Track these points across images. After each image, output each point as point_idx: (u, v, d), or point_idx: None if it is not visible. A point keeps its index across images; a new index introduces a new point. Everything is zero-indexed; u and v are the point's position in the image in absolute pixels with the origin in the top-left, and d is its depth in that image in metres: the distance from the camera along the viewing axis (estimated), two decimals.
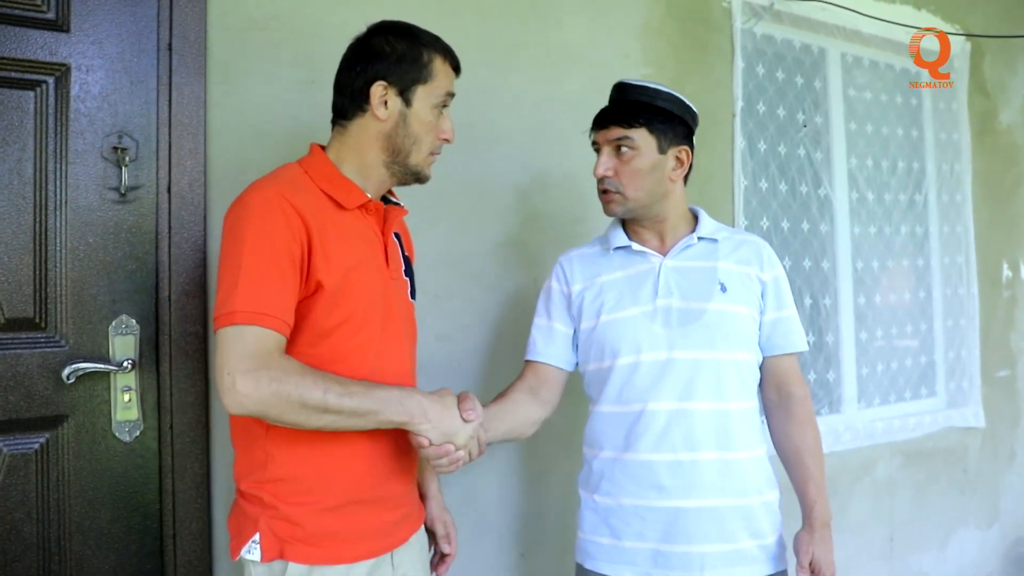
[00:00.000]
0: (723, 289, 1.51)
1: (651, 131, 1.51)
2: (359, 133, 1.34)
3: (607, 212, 1.58)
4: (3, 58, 1.44)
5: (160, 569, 1.57)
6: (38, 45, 1.47)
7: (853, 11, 2.65)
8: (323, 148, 1.37)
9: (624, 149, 1.51)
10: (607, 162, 1.53)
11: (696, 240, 1.56)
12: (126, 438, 1.54)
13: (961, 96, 3.04)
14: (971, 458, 3.05)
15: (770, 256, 1.59)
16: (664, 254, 1.55)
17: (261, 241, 1.18)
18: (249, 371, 1.12)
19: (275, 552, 1.22)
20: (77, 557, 1.50)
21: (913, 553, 2.86)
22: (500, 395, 1.56)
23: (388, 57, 1.31)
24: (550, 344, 1.61)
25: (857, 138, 2.85)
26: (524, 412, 1.55)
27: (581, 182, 2.12)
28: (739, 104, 2.42)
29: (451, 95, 1.38)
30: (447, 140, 1.39)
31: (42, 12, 1.48)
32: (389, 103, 1.31)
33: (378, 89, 1.31)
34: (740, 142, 2.43)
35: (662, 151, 1.52)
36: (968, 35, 3.03)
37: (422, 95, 1.33)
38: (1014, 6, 3.24)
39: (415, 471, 1.45)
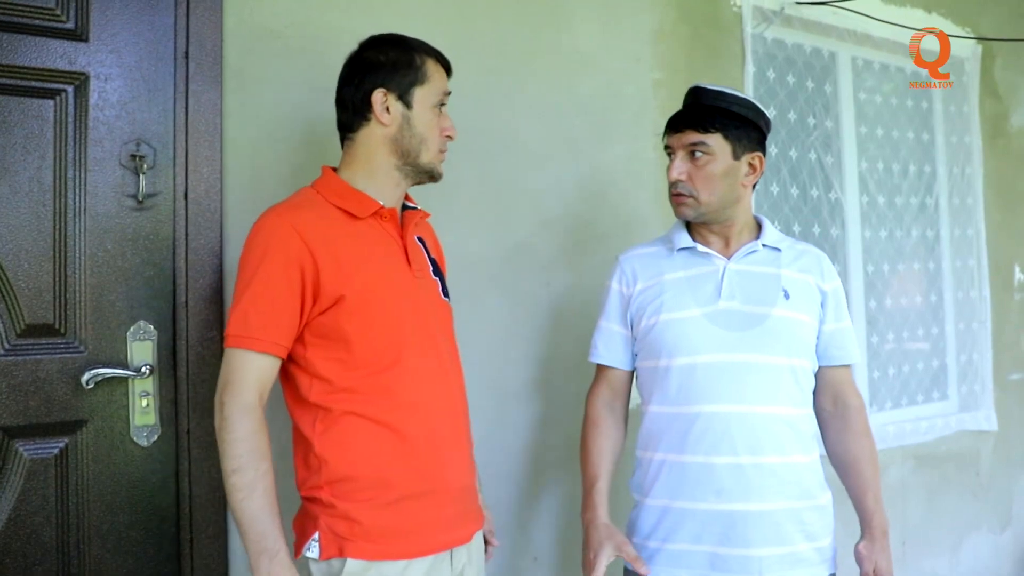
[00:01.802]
0: (787, 296, 1.51)
1: (726, 137, 1.50)
2: (367, 142, 1.38)
3: (678, 215, 1.58)
4: (23, 67, 1.46)
5: (177, 572, 1.58)
6: (57, 54, 1.49)
7: (864, 15, 2.65)
8: (335, 169, 1.42)
9: (699, 154, 1.51)
10: (681, 166, 1.52)
11: (760, 247, 1.56)
12: (144, 443, 1.56)
13: (972, 99, 3.04)
14: (984, 462, 3.04)
15: (830, 267, 1.60)
16: (728, 257, 1.55)
17: (260, 270, 1.27)
18: (220, 394, 1.26)
19: (333, 550, 1.27)
20: (96, 561, 1.51)
21: (926, 557, 2.85)
22: (599, 454, 1.57)
23: (383, 66, 1.37)
24: (611, 347, 1.63)
25: (868, 142, 2.85)
26: (618, 449, 1.61)
27: (593, 186, 2.13)
28: None
29: (447, 94, 1.43)
30: (450, 137, 1.44)
31: (61, 22, 1.49)
32: (391, 108, 1.37)
33: (378, 96, 1.36)
34: None
35: (736, 157, 1.52)
36: (979, 38, 3.03)
37: (420, 96, 1.38)
38: None
39: (473, 467, 1.47)
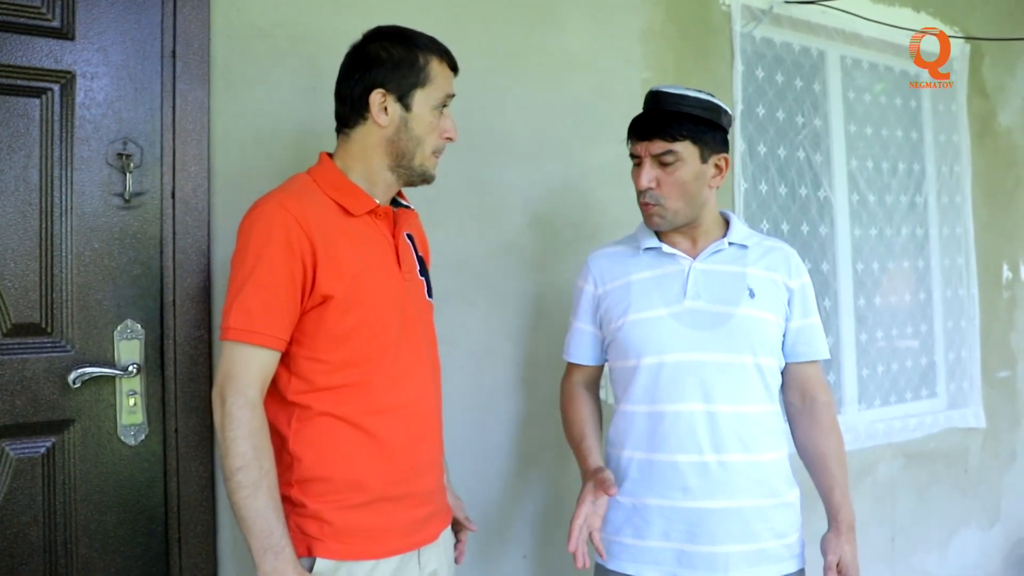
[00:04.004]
0: (751, 295, 1.52)
1: (694, 142, 1.50)
2: (362, 140, 1.36)
3: (649, 224, 1.58)
4: (9, 66, 1.45)
5: (166, 572, 1.58)
6: (44, 53, 1.49)
7: (852, 14, 2.66)
8: (331, 156, 1.39)
9: (668, 161, 1.50)
10: (650, 173, 1.51)
11: (727, 245, 1.56)
12: (131, 442, 1.56)
13: (960, 98, 3.06)
14: (972, 459, 3.06)
15: (798, 264, 1.60)
16: (694, 257, 1.56)
17: (261, 260, 1.23)
18: (221, 390, 1.22)
19: (303, 549, 1.26)
20: (83, 560, 1.51)
21: (915, 554, 2.86)
22: (581, 419, 1.61)
23: (384, 64, 1.33)
24: (580, 346, 1.66)
25: (857, 140, 2.87)
26: (598, 415, 1.66)
27: (582, 187, 2.14)
28: (739, 107, 2.43)
29: (450, 96, 1.39)
30: (450, 139, 1.40)
31: (47, 20, 1.49)
32: (389, 109, 1.33)
33: (377, 96, 1.32)
34: (740, 145, 2.45)
35: (704, 160, 1.52)
36: (967, 37, 3.05)
37: (421, 98, 1.34)
38: (1013, 8, 3.25)
39: (442, 468, 1.47)
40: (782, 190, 2.65)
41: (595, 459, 1.52)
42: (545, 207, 2.08)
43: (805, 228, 2.71)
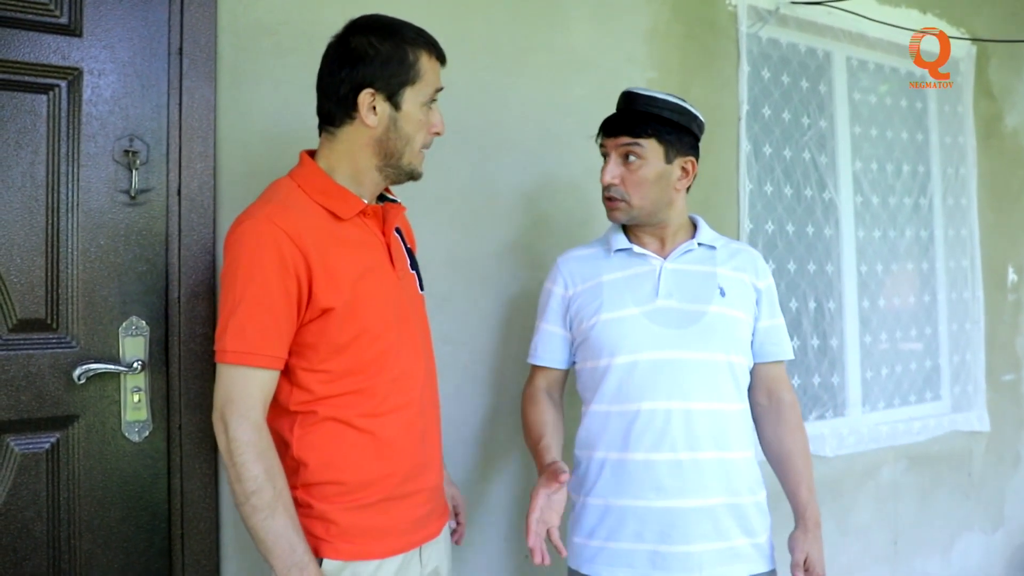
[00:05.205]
0: (722, 294, 1.54)
1: (659, 141, 1.53)
2: (349, 140, 1.31)
3: (611, 218, 1.60)
4: (17, 62, 1.46)
5: (168, 568, 1.59)
6: (51, 49, 1.49)
7: (858, 15, 2.66)
8: (313, 155, 1.35)
9: (632, 158, 1.53)
10: (614, 169, 1.55)
11: (696, 246, 1.59)
12: (135, 438, 1.56)
13: (966, 100, 3.05)
14: (976, 462, 3.05)
15: (763, 266, 1.64)
16: (664, 257, 1.58)
17: (253, 279, 1.20)
18: (222, 415, 1.19)
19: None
20: (86, 555, 1.51)
21: (918, 557, 2.86)
22: (541, 422, 1.59)
23: (372, 61, 1.27)
24: (548, 348, 1.65)
25: (862, 142, 2.86)
26: (559, 421, 1.63)
27: (586, 186, 2.13)
28: (744, 108, 2.43)
29: (439, 90, 1.34)
30: (438, 133, 1.37)
31: (55, 17, 1.49)
32: (378, 109, 1.28)
33: (365, 97, 1.27)
34: (745, 146, 2.44)
35: (669, 161, 1.54)
36: (974, 39, 3.04)
37: (410, 96, 1.29)
38: (1020, 9, 3.24)
39: (442, 464, 1.47)
40: (787, 191, 2.64)
41: (552, 456, 1.50)
42: (550, 206, 2.08)
43: (810, 229, 2.70)
